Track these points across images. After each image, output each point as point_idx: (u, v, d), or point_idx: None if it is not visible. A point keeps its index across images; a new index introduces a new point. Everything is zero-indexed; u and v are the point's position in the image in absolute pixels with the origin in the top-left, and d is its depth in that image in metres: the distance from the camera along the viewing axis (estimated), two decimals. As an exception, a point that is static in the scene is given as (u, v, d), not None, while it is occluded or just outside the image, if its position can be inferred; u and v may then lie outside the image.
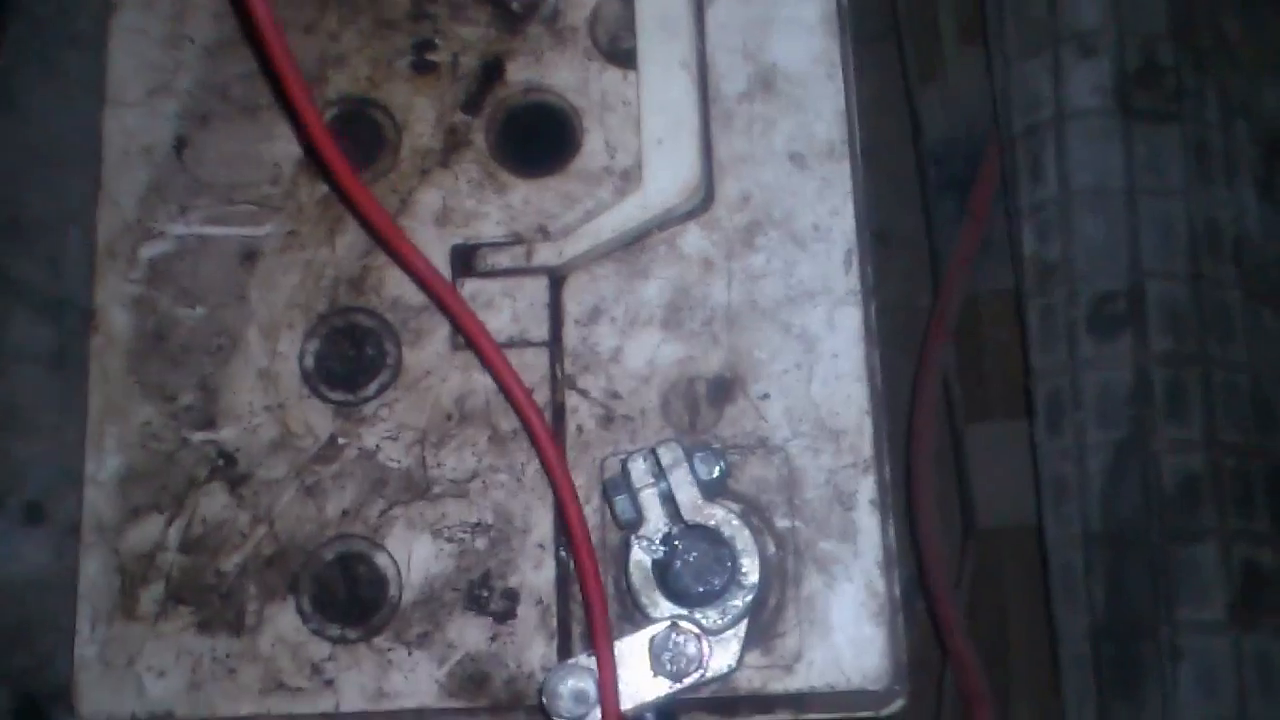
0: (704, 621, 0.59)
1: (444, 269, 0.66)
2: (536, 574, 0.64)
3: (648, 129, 0.66)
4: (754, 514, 0.63)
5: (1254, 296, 0.77)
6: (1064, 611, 0.74)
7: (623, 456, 0.62)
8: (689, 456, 0.61)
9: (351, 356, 0.67)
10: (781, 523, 0.63)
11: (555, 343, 0.66)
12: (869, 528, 0.63)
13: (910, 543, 0.84)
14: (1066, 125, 0.78)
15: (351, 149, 0.66)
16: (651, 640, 0.59)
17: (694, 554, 0.60)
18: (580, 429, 0.65)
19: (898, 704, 0.63)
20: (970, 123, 0.88)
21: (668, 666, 0.58)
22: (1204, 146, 0.78)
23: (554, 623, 0.64)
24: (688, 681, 0.58)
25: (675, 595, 0.60)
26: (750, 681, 0.62)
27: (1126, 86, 0.78)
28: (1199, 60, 0.80)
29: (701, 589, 0.59)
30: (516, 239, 0.67)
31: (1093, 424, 0.75)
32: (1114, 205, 0.77)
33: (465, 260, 0.67)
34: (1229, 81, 0.81)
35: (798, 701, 0.63)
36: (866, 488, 0.63)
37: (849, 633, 0.62)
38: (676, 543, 0.60)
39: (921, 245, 0.94)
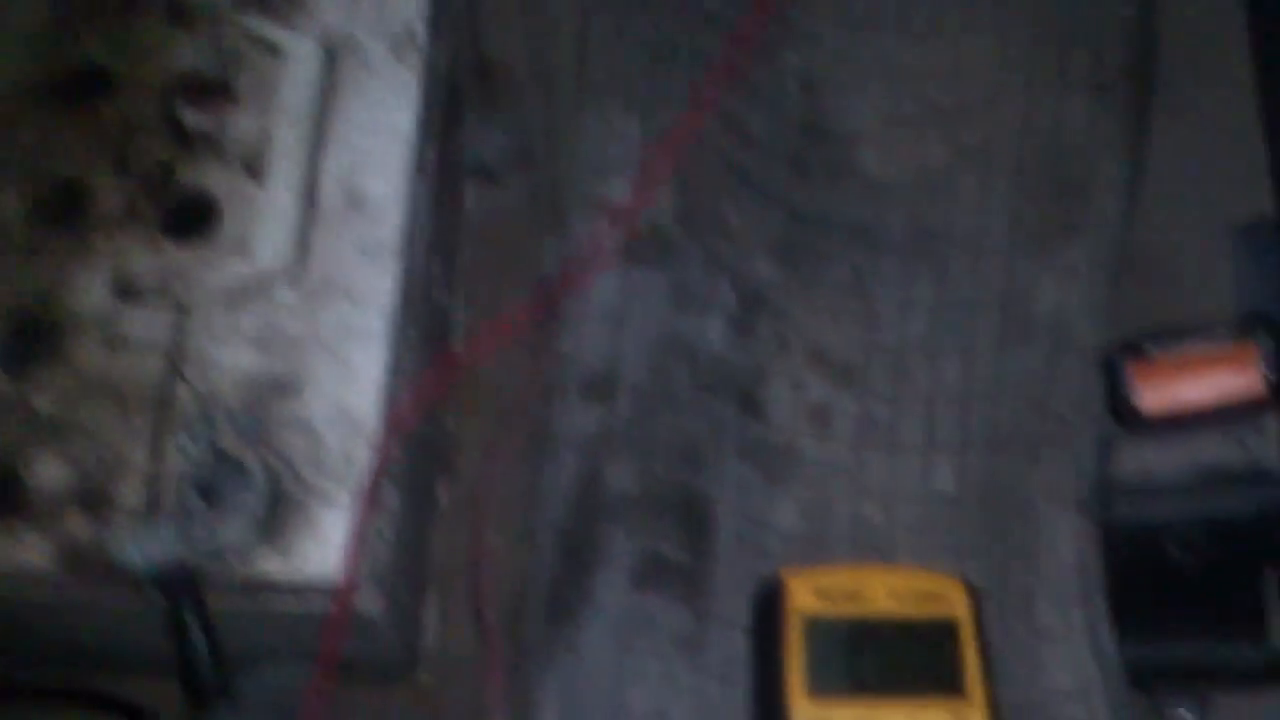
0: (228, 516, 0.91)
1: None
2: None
3: (268, 222, 1.02)
4: (287, 465, 0.95)
5: (703, 388, 1.11)
6: (535, 576, 1.05)
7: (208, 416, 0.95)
8: (235, 419, 0.93)
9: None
10: (305, 472, 0.95)
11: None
12: (359, 486, 0.95)
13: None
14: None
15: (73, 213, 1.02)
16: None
17: (230, 477, 0.92)
18: (184, 404, 0.97)
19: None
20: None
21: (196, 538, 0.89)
22: (684, 290, 1.14)
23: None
24: (204, 548, 0.89)
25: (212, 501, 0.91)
26: (267, 572, 0.93)
27: (631, 244, 1.14)
28: (693, 233, 1.16)
29: (229, 498, 0.91)
30: (171, 282, 1.01)
31: (571, 455, 1.07)
32: (613, 320, 1.12)
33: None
34: (720, 250, 1.17)
35: (297, 588, 0.93)
36: (362, 457, 0.96)
37: (335, 547, 0.93)
38: (220, 468, 0.92)
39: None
